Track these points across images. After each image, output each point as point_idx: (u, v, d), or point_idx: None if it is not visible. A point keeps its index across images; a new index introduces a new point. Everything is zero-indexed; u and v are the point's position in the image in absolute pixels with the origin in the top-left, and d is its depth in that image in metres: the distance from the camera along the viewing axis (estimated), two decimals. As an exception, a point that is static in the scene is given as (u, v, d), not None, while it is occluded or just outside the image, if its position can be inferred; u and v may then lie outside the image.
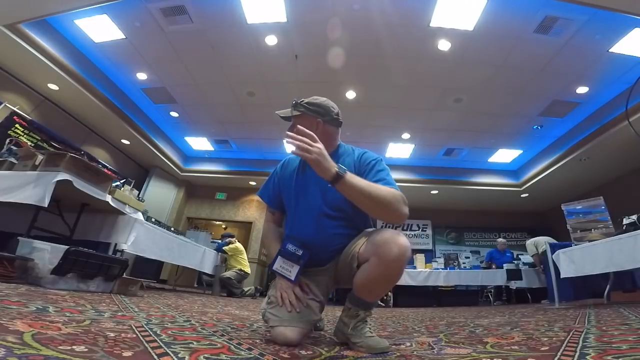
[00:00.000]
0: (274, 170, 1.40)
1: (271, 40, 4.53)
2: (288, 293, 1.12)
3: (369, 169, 1.19)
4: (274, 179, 1.37)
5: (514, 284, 5.50)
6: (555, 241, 4.84)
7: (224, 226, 9.93)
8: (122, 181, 3.86)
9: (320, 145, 0.99)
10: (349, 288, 1.19)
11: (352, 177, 0.99)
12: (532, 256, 5.74)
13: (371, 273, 1.03)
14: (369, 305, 1.11)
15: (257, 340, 1.06)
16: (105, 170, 3.40)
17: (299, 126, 1.06)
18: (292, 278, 1.13)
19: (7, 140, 3.36)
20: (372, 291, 1.09)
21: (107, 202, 2.94)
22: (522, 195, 7.94)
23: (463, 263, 6.74)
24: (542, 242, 5.27)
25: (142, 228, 3.34)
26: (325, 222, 1.19)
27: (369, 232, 1.16)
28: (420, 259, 6.26)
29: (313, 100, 1.28)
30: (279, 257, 1.17)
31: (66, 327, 0.83)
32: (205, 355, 0.73)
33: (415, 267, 5.97)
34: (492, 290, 6.07)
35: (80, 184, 2.59)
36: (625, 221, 3.12)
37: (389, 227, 1.33)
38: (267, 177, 1.41)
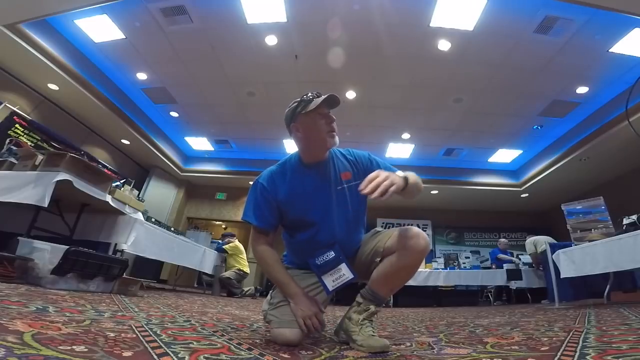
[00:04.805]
0: (259, 189, 1.21)
1: (271, 40, 4.53)
2: (312, 320, 1.08)
3: (374, 164, 1.26)
4: (265, 198, 1.20)
5: (513, 284, 5.49)
6: (555, 241, 4.83)
7: (224, 226, 9.93)
8: (122, 181, 3.86)
9: (383, 177, 0.96)
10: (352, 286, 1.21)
11: (410, 179, 1.09)
12: (529, 254, 5.71)
13: (395, 264, 1.08)
14: (382, 300, 1.13)
15: (257, 340, 1.06)
16: (105, 170, 3.40)
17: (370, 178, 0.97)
18: (352, 276, 1.13)
19: (7, 140, 3.36)
20: (391, 283, 1.13)
21: (107, 202, 2.94)
22: (522, 195, 7.94)
23: (463, 263, 6.74)
24: (542, 241, 5.24)
25: (142, 228, 3.34)
26: (351, 226, 1.24)
27: (391, 230, 1.18)
28: (420, 259, 6.25)
29: None
30: (322, 277, 1.15)
31: (66, 327, 0.83)
32: (205, 355, 0.73)
33: (415, 267, 5.96)
34: (492, 290, 6.06)
35: (80, 184, 2.59)
36: (625, 221, 3.12)
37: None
38: (249, 199, 1.23)
